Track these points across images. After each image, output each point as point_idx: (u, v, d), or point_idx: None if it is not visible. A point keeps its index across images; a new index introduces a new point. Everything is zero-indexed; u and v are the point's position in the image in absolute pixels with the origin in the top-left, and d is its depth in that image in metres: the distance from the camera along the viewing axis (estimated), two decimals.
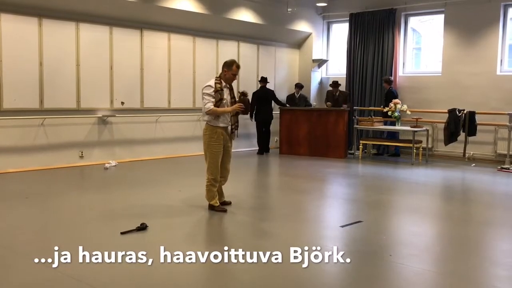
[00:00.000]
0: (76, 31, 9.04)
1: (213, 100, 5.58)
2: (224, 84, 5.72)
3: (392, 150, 11.61)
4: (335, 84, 11.64)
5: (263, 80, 11.48)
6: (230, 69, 5.70)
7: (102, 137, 9.57)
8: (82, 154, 9.26)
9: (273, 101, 11.63)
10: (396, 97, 10.96)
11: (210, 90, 5.61)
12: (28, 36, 8.48)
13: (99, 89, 9.44)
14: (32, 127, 8.62)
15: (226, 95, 5.72)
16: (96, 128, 9.46)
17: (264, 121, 11.50)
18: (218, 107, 5.61)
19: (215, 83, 5.66)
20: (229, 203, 6.08)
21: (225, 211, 5.77)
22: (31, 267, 3.96)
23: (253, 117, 11.43)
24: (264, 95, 11.45)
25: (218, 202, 5.83)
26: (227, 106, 5.71)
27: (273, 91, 11.72)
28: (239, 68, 5.79)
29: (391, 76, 11.52)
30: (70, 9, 8.86)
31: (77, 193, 6.88)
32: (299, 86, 12.30)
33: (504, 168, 9.61)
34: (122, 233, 4.84)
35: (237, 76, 5.88)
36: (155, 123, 10.37)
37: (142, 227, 5.00)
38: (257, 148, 11.69)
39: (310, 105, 12.30)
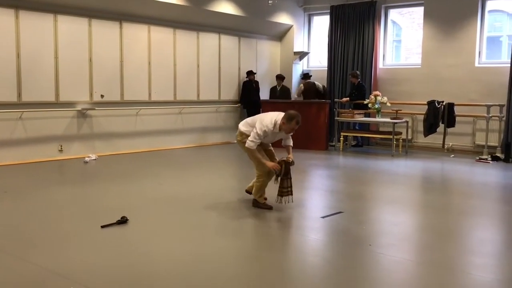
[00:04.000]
0: (54, 23, 8.90)
1: (259, 141, 5.49)
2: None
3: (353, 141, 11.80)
4: (306, 76, 12.41)
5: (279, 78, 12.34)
6: (289, 123, 5.42)
7: (82, 130, 9.47)
8: (61, 148, 9.16)
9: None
10: (366, 91, 11.22)
11: (264, 130, 5.44)
12: (4, 28, 8.33)
13: (78, 82, 9.33)
14: (10, 121, 8.49)
15: (271, 134, 5.55)
16: (75, 121, 9.36)
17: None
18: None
19: (273, 125, 5.47)
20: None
21: (270, 208, 5.72)
22: (16, 265, 3.92)
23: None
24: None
25: (264, 199, 5.79)
26: (269, 142, 5.77)
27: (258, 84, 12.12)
28: (298, 125, 5.47)
29: (358, 70, 11.73)
30: (47, 1, 8.72)
31: (57, 188, 6.80)
32: (280, 78, 12.29)
33: (482, 159, 9.77)
34: (102, 226, 4.81)
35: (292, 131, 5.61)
36: (136, 116, 10.29)
37: (123, 221, 4.98)
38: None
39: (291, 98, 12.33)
